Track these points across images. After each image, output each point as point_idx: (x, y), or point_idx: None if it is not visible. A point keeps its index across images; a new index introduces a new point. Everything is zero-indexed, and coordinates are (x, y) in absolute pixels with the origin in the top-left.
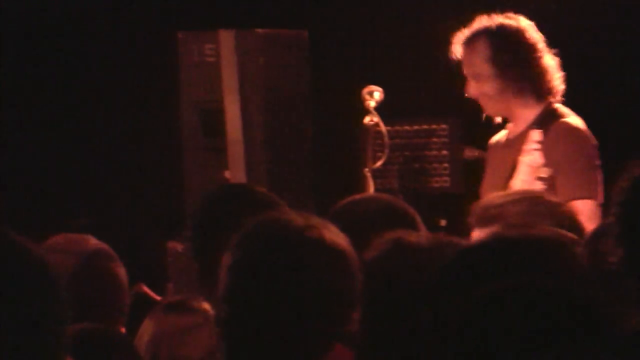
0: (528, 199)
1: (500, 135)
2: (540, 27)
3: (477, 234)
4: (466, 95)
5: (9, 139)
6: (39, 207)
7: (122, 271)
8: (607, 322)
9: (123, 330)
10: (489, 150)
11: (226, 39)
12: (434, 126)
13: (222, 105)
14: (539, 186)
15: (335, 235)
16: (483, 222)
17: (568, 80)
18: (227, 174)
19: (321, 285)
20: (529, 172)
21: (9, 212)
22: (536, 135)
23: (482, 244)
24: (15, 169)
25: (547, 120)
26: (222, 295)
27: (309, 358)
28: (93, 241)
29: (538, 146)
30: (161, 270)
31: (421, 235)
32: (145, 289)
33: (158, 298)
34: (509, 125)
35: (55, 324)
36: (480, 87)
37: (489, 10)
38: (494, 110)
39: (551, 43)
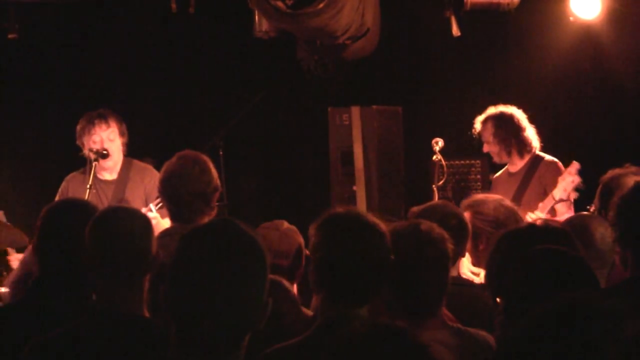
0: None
1: (500, 172)
2: (525, 109)
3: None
4: (483, 150)
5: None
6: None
7: (301, 241)
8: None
9: (295, 284)
10: (494, 181)
11: (355, 111)
12: (472, 162)
13: (352, 149)
14: (573, 195)
15: (378, 221)
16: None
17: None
18: (354, 187)
19: (375, 247)
20: (567, 187)
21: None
22: (573, 170)
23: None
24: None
25: (536, 162)
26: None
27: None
28: (286, 224)
29: (572, 176)
30: None
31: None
32: (308, 252)
33: None
34: (508, 166)
35: (264, 276)
36: (489, 147)
37: (498, 102)
38: (498, 160)
39: (530, 118)
